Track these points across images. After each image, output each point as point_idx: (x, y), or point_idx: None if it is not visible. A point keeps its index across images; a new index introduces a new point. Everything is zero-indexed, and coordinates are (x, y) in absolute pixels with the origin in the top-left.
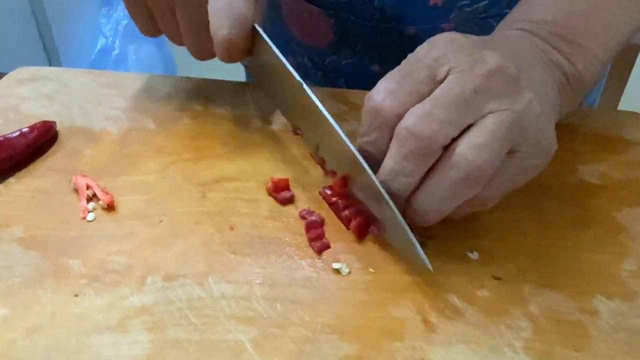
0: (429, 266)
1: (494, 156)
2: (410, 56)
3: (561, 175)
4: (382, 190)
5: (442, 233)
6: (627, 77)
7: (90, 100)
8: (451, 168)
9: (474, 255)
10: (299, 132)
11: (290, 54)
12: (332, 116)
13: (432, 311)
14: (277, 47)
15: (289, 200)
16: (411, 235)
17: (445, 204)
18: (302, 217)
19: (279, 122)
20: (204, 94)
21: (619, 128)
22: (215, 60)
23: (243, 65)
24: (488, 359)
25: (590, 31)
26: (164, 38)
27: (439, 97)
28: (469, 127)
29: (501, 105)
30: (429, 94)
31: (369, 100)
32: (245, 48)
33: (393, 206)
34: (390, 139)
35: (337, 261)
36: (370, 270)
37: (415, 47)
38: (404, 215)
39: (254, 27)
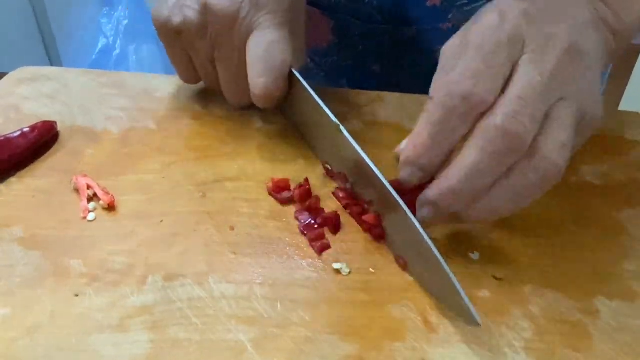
0: (479, 321)
1: (570, 152)
2: (478, 28)
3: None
4: (431, 245)
5: (442, 233)
6: (628, 78)
7: (91, 100)
8: (533, 170)
9: (475, 256)
10: (329, 168)
11: None
12: (336, 116)
13: (432, 311)
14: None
15: (289, 201)
16: (462, 292)
17: (515, 204)
18: (296, 219)
19: (279, 122)
20: (204, 94)
21: (620, 128)
22: None
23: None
24: None
25: None
26: None
27: (524, 89)
28: (545, 117)
29: (570, 89)
30: (509, 76)
31: (454, 85)
32: (282, 94)
33: (445, 265)
34: (469, 130)
35: (338, 261)
36: (371, 270)
37: (415, 47)
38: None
39: (291, 72)
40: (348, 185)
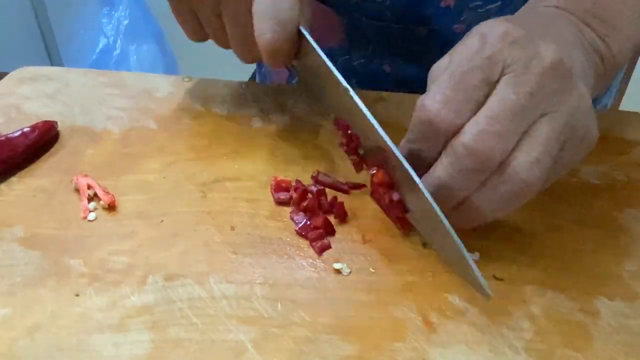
0: (489, 292)
1: (546, 169)
2: (459, 51)
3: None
4: (440, 214)
5: None
6: (629, 78)
7: (91, 100)
8: (504, 184)
9: (475, 256)
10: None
11: None
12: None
13: (433, 311)
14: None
15: (285, 203)
16: (473, 264)
17: (492, 214)
18: (291, 219)
19: (279, 122)
20: (205, 94)
21: (621, 129)
22: (216, 60)
23: (287, 67)
24: None
25: (624, 11)
26: (165, 37)
27: (495, 108)
28: (523, 133)
29: (555, 105)
30: (485, 99)
31: (422, 110)
32: (291, 51)
33: (450, 229)
34: (441, 149)
35: (338, 261)
36: (371, 270)
37: (428, 47)
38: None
39: (300, 30)
40: (361, 151)
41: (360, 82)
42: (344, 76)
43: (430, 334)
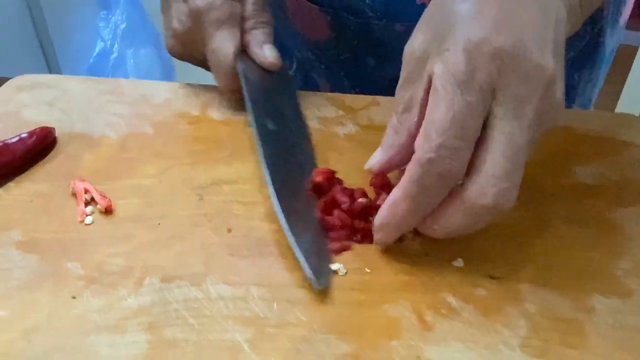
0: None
1: (514, 184)
2: (444, 69)
3: (557, 176)
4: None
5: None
6: (624, 80)
7: (89, 107)
8: (463, 204)
9: (458, 263)
10: None
11: (296, 48)
12: (326, 121)
13: (428, 310)
14: (285, 41)
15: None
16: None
17: (460, 231)
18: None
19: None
20: (201, 99)
21: (614, 129)
22: None
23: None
24: (484, 357)
25: None
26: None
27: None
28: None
29: (515, 98)
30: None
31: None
32: (238, 85)
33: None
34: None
35: (334, 262)
36: (367, 270)
37: (404, 43)
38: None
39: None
40: None
41: (347, 75)
42: (333, 69)
43: (425, 332)
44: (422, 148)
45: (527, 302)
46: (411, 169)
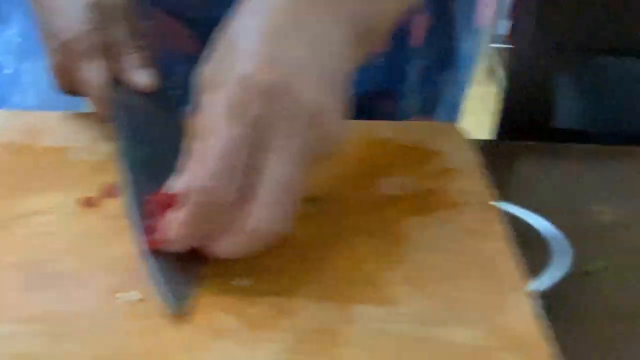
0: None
1: (286, 211)
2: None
3: (361, 189)
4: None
5: None
6: None
7: None
8: (239, 231)
9: (248, 282)
10: None
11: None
12: None
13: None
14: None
15: None
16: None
17: (239, 254)
18: None
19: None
20: (30, 127)
21: (432, 139)
22: None
23: None
24: None
25: None
26: None
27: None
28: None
29: (284, 131)
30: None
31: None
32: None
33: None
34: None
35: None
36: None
37: None
38: None
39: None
40: None
41: None
42: None
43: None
44: (196, 176)
45: (297, 317)
46: (186, 196)
